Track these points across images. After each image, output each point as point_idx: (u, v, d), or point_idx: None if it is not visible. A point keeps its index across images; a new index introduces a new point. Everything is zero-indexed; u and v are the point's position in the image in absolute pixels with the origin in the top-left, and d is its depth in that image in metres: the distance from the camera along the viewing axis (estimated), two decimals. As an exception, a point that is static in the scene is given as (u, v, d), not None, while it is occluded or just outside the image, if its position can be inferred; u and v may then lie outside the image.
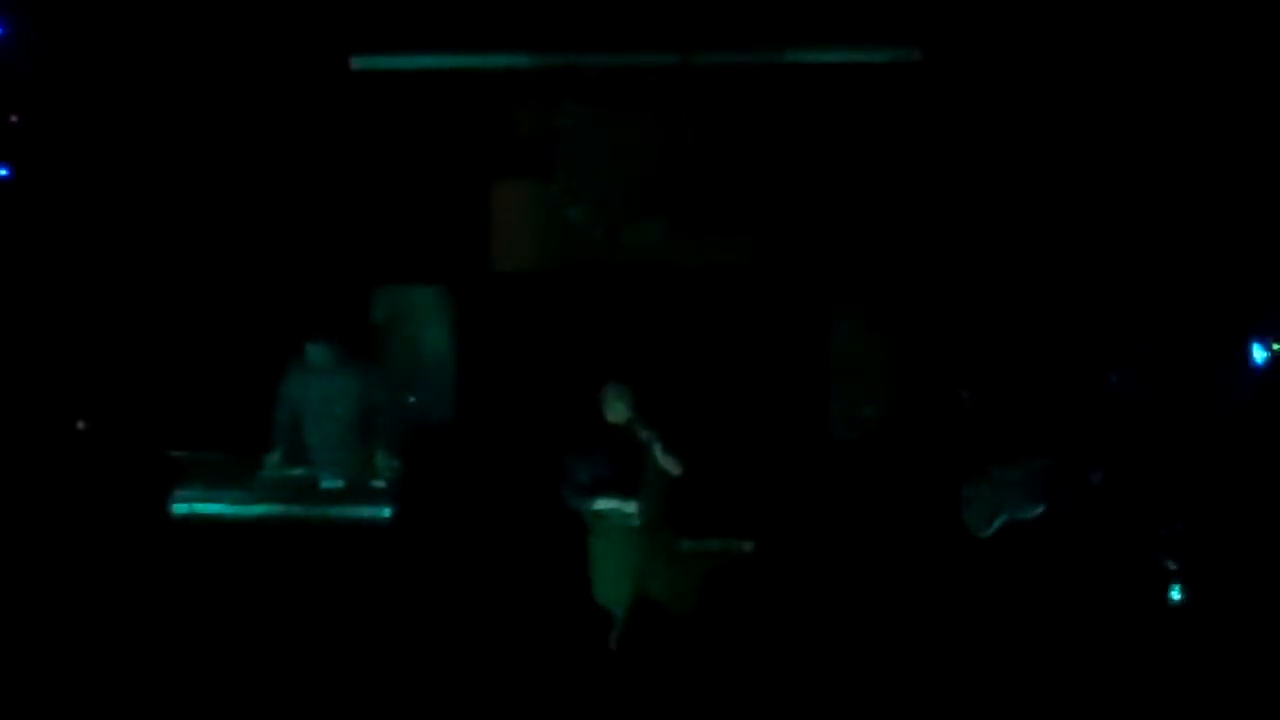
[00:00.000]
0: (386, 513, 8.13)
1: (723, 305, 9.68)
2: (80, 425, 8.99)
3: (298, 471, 8.36)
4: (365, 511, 8.13)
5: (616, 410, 7.76)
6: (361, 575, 7.96)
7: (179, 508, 8.13)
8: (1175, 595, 7.52)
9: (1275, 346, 7.90)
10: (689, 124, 9.74)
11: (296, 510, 8.15)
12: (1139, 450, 7.96)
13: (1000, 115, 9.08)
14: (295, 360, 8.51)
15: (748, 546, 8.38)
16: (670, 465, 7.63)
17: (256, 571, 7.95)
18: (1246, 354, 7.96)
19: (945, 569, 8.15)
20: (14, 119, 8.69)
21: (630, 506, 7.65)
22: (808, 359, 9.56)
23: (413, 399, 9.49)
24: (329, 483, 8.25)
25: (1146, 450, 7.95)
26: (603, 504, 7.70)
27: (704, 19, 9.28)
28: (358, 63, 9.49)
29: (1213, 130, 8.49)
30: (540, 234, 9.89)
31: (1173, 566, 7.69)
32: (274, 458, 8.37)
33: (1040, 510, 7.92)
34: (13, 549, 8.12)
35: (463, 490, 8.85)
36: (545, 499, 8.05)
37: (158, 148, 9.29)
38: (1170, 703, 7.10)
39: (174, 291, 9.34)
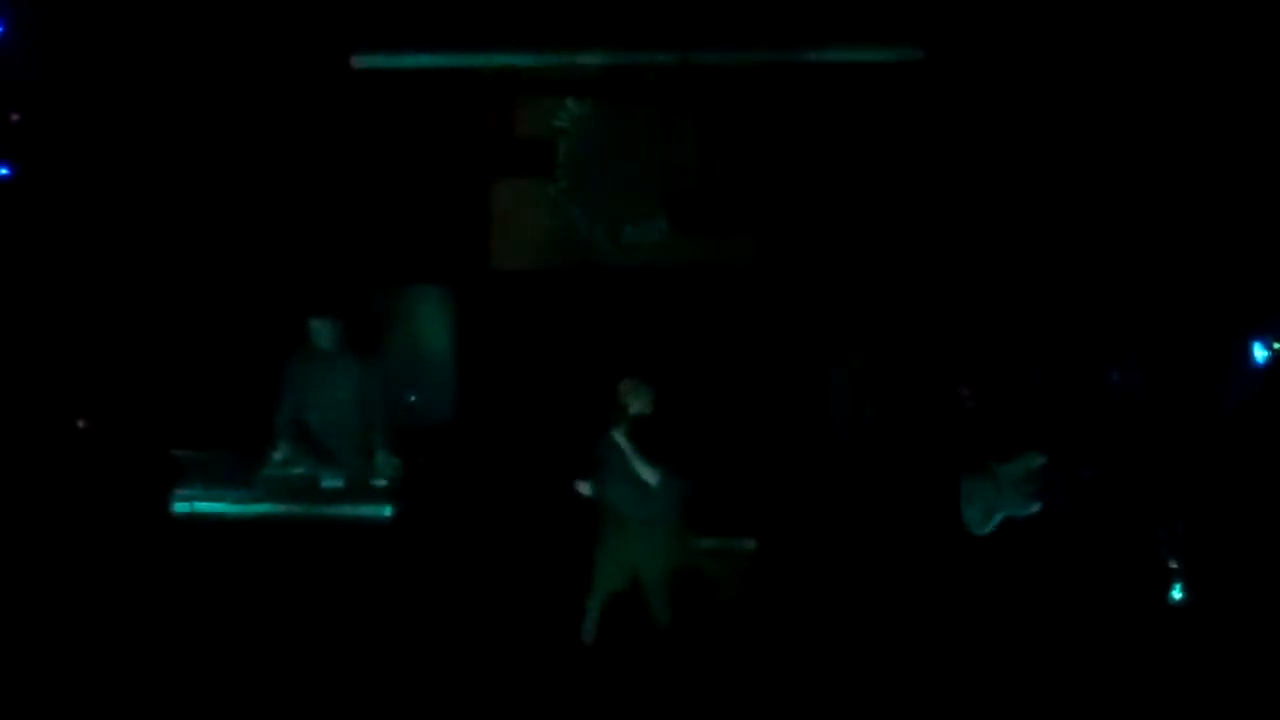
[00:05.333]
0: (387, 511, 8.11)
1: (723, 305, 9.69)
2: (81, 424, 8.99)
3: (298, 471, 8.36)
4: (366, 510, 8.11)
5: (640, 401, 7.74)
6: (362, 574, 7.95)
7: (180, 506, 8.11)
8: (1176, 594, 7.52)
9: (1275, 346, 7.89)
10: (689, 124, 9.76)
11: (297, 509, 8.13)
12: (1139, 449, 7.96)
13: (1002, 115, 9.10)
14: (293, 356, 8.51)
15: (749, 545, 8.39)
16: (647, 475, 7.62)
17: (257, 570, 7.93)
18: (1246, 354, 7.96)
19: (945, 567, 8.16)
20: (15, 118, 8.67)
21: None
22: (808, 359, 9.58)
23: (413, 397, 9.51)
24: (329, 482, 8.24)
25: (1146, 450, 7.95)
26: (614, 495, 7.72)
27: (704, 19, 9.28)
28: (359, 61, 9.51)
29: (1213, 130, 8.50)
30: (540, 234, 9.91)
31: (1173, 565, 7.70)
32: (280, 454, 8.37)
33: (1037, 508, 7.92)
34: (13, 548, 8.10)
35: (463, 489, 8.85)
36: (544, 497, 8.05)
37: (159, 147, 9.30)
38: (1170, 703, 7.10)
39: (175, 290, 9.35)
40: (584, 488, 7.75)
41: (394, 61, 9.51)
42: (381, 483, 8.24)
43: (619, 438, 7.59)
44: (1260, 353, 7.89)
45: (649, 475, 7.57)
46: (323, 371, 8.39)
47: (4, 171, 8.69)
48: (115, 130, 9.18)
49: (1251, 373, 7.95)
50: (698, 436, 7.80)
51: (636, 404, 7.69)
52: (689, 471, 7.67)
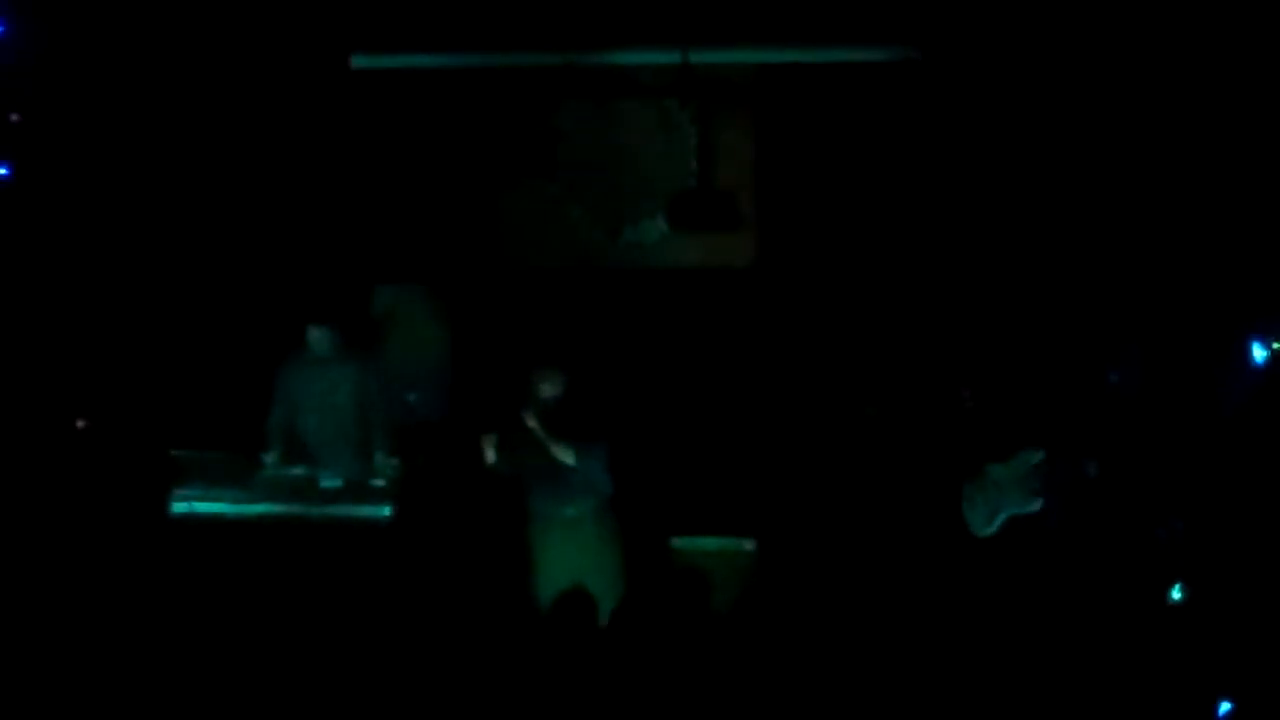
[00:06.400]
0: (386, 511, 8.13)
1: (723, 305, 9.69)
2: (80, 424, 8.99)
3: (297, 470, 8.37)
4: (364, 510, 8.13)
5: (551, 387, 7.73)
6: (361, 574, 7.96)
7: (179, 506, 8.13)
8: (1175, 594, 7.50)
9: (1275, 346, 7.87)
10: (689, 124, 9.75)
11: (296, 509, 8.15)
12: (1138, 449, 7.95)
13: (1000, 114, 9.09)
14: (289, 359, 8.52)
15: (748, 545, 8.39)
16: (562, 455, 7.60)
17: (256, 570, 7.94)
18: (1246, 354, 7.94)
19: (946, 567, 8.15)
20: (14, 118, 8.67)
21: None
22: (808, 359, 9.57)
23: (412, 397, 9.50)
24: (328, 482, 8.26)
25: (1146, 449, 7.94)
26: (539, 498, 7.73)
27: (704, 19, 9.27)
28: (358, 61, 9.51)
29: (1213, 130, 8.48)
30: (540, 234, 9.91)
31: (1173, 566, 7.69)
32: (272, 457, 8.38)
33: (1039, 504, 7.92)
34: (13, 548, 8.10)
35: (462, 489, 8.84)
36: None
37: (158, 147, 9.31)
38: (1170, 703, 7.09)
39: (174, 290, 9.35)
40: (489, 451, 7.69)
41: (394, 61, 9.52)
42: (380, 483, 8.26)
43: (529, 419, 7.57)
44: (1260, 353, 7.87)
45: (564, 454, 7.56)
46: (319, 376, 8.40)
47: (4, 171, 8.68)
48: (115, 130, 9.18)
49: (1251, 373, 7.93)
50: (621, 429, 7.83)
51: (548, 389, 7.69)
52: (611, 466, 7.69)
